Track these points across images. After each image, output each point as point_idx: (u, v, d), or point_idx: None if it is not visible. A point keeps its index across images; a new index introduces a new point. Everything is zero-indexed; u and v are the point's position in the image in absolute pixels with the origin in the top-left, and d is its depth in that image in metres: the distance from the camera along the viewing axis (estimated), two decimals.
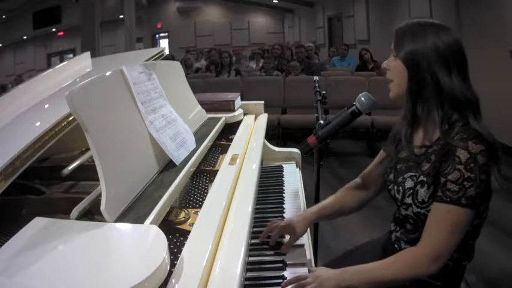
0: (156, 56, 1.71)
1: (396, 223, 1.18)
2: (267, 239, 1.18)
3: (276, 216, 1.35)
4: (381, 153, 1.28)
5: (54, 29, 13.72)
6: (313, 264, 1.12)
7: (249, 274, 1.03)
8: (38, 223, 0.82)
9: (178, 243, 0.95)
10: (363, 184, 1.31)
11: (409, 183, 1.08)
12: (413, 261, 0.99)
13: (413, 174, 1.07)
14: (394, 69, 1.08)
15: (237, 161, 1.36)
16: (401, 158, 1.14)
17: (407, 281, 1.00)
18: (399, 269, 0.99)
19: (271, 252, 1.14)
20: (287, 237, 1.19)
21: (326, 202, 1.30)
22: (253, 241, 1.17)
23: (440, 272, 1.02)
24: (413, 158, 1.08)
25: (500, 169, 0.99)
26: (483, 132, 0.97)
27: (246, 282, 0.98)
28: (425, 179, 1.03)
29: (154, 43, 15.12)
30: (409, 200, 1.07)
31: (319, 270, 1.04)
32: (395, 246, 1.16)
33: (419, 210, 1.05)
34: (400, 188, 1.10)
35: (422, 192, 1.04)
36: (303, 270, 1.06)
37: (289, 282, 0.99)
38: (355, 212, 1.31)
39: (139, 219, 0.88)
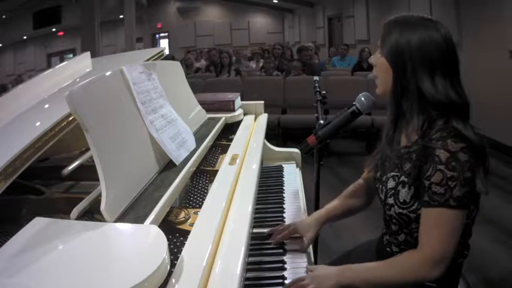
0: (156, 56, 1.71)
1: (385, 224, 1.18)
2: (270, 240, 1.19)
3: (276, 216, 1.35)
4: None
5: (54, 29, 13.73)
6: (312, 259, 1.11)
7: (249, 274, 1.03)
8: (38, 223, 0.82)
9: (178, 243, 0.95)
10: (365, 184, 1.30)
11: (391, 183, 1.07)
12: (415, 266, 0.97)
13: (395, 174, 1.06)
14: (380, 66, 1.07)
15: (237, 161, 1.36)
16: (388, 156, 1.11)
17: (409, 284, 0.99)
18: (400, 272, 0.98)
19: (271, 252, 1.14)
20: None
21: (333, 204, 1.30)
22: (253, 241, 1.17)
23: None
24: (395, 157, 1.07)
25: (488, 172, 0.98)
26: (466, 132, 0.95)
27: (246, 282, 0.98)
28: (406, 179, 1.02)
29: (154, 43, 15.12)
30: (391, 201, 1.06)
31: (318, 269, 1.03)
32: (388, 249, 1.15)
33: (401, 210, 1.03)
34: (383, 187, 1.09)
35: (404, 193, 1.02)
36: (303, 270, 1.06)
37: (289, 286, 0.99)
38: (364, 208, 1.31)
39: (139, 219, 0.88)
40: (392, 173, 1.07)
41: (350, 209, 1.29)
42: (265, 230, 1.24)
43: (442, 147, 0.94)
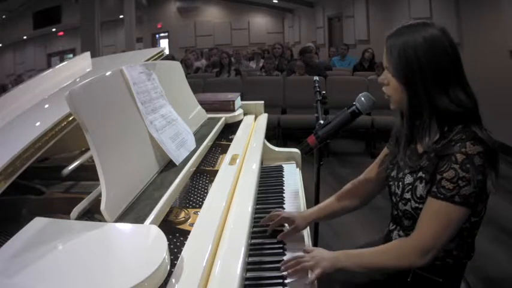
0: (156, 56, 1.71)
1: (395, 221, 1.20)
2: (265, 227, 1.23)
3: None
4: (384, 150, 1.29)
5: (54, 29, 13.72)
6: None
7: (249, 274, 1.03)
8: (38, 223, 0.82)
9: (178, 243, 0.95)
10: (367, 181, 1.31)
11: (408, 179, 1.09)
12: (402, 252, 1.01)
13: (413, 169, 1.08)
14: (392, 85, 1.06)
15: (237, 161, 1.36)
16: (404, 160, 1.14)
17: (396, 270, 1.04)
18: (388, 258, 1.02)
19: (271, 252, 1.14)
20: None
21: (326, 202, 1.32)
22: (253, 241, 1.17)
23: (440, 268, 1.05)
24: (414, 157, 1.09)
25: (498, 174, 1.00)
26: (483, 135, 0.98)
27: (246, 282, 0.98)
28: (424, 175, 1.04)
29: (154, 43, 15.11)
30: (408, 195, 1.08)
31: (315, 251, 1.08)
32: None
33: (417, 205, 1.06)
34: (400, 183, 1.12)
35: (421, 188, 1.05)
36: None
37: (288, 261, 1.04)
38: (358, 208, 1.32)
39: (139, 219, 0.88)
40: (410, 169, 1.09)
41: (342, 209, 1.31)
42: (265, 229, 1.24)
43: (461, 149, 0.96)
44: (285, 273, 1.03)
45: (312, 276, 1.01)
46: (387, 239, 1.23)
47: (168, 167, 1.18)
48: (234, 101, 1.99)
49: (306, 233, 1.28)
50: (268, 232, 1.22)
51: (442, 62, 0.98)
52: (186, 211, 1.12)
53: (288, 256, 1.12)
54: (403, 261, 1.00)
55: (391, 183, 1.17)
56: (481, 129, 1.00)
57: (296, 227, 1.22)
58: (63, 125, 1.00)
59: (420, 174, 1.05)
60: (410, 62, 0.99)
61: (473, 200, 0.97)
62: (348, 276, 1.13)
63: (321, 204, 1.33)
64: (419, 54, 0.98)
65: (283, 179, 1.70)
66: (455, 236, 1.02)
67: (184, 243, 0.88)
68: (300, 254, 1.08)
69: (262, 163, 1.64)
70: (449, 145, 0.98)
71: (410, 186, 1.08)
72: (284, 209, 1.41)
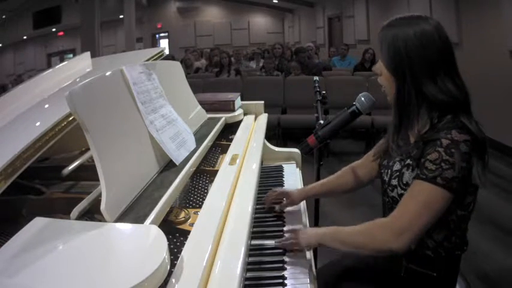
0: (156, 56, 1.71)
1: (384, 211, 1.20)
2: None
3: (276, 216, 1.35)
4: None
5: (54, 29, 13.72)
6: (313, 264, 1.12)
7: (249, 274, 1.03)
8: (38, 223, 0.82)
9: (178, 243, 0.95)
10: (364, 165, 1.33)
11: (396, 166, 1.11)
12: (377, 231, 1.01)
13: (402, 158, 1.10)
14: (384, 76, 1.09)
15: (237, 161, 1.36)
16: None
17: (372, 252, 1.03)
18: (367, 237, 1.02)
19: (271, 252, 1.15)
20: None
21: (325, 180, 1.39)
22: (253, 241, 1.17)
23: (433, 261, 1.04)
24: (405, 146, 1.10)
25: (486, 166, 1.00)
26: (471, 126, 0.98)
27: (246, 282, 0.98)
28: (411, 162, 1.05)
29: (154, 43, 15.12)
30: (394, 182, 1.09)
31: (302, 232, 1.14)
32: None
33: (403, 192, 1.06)
34: (389, 170, 1.13)
35: (407, 175, 1.06)
36: (303, 271, 1.06)
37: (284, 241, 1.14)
38: (354, 190, 1.36)
39: (139, 219, 0.88)
40: (400, 157, 1.11)
41: (339, 186, 1.37)
42: (265, 229, 1.24)
43: (446, 135, 0.97)
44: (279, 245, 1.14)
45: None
46: None
47: (168, 167, 1.18)
48: (234, 101, 1.99)
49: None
50: (266, 205, 1.36)
51: (431, 55, 1.00)
52: (186, 211, 1.12)
53: (287, 256, 1.12)
54: (379, 242, 0.99)
55: (382, 171, 1.18)
56: (470, 120, 1.00)
57: (292, 200, 1.35)
58: (63, 125, 1.00)
59: (408, 161, 1.07)
60: (399, 53, 1.02)
61: (456, 185, 0.96)
62: (344, 268, 1.14)
63: (322, 181, 1.40)
64: (408, 48, 1.01)
65: (283, 179, 1.71)
66: (443, 227, 1.03)
67: (184, 243, 0.88)
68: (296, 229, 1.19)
69: (262, 163, 1.64)
70: (437, 132, 1.00)
71: (397, 173, 1.09)
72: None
